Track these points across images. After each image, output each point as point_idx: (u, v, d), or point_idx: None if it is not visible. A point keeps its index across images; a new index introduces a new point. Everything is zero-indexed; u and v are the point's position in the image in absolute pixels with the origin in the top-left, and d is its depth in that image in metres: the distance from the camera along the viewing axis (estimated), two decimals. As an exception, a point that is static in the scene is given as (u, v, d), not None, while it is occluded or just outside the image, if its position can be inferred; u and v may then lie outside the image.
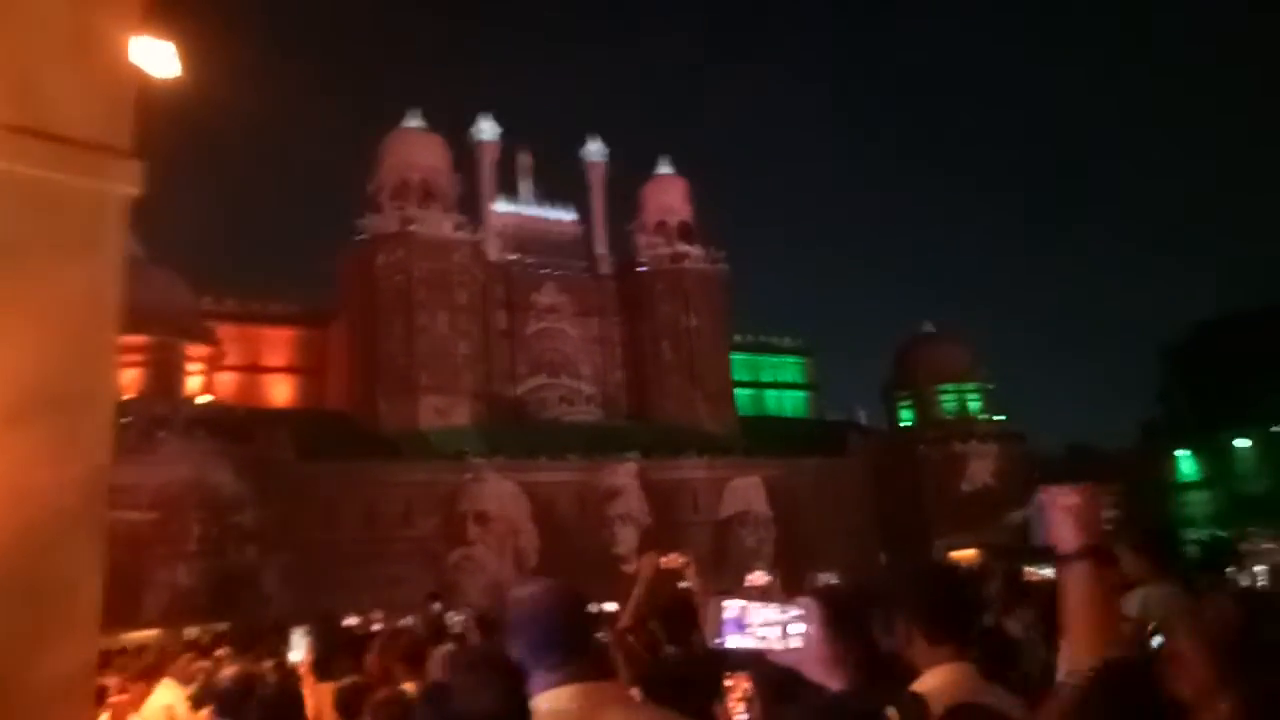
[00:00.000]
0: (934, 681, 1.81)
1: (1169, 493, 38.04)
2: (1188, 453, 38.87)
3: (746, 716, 2.27)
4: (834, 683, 1.90)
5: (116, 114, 3.26)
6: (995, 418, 40.69)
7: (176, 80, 3.80)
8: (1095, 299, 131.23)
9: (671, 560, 4.05)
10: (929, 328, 44.23)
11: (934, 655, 1.87)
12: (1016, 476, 37.23)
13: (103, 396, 3.20)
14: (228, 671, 3.67)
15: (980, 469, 37.22)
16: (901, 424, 42.49)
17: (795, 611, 1.91)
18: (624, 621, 3.36)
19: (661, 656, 3.06)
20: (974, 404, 41.15)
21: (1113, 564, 1.82)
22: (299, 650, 3.97)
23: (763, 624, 1.90)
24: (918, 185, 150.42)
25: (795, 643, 1.87)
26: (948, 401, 41.07)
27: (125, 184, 3.21)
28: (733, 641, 1.93)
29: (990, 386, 42.12)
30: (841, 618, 1.97)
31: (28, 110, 2.98)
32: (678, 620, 3.54)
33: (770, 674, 2.04)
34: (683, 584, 4.13)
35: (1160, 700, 1.48)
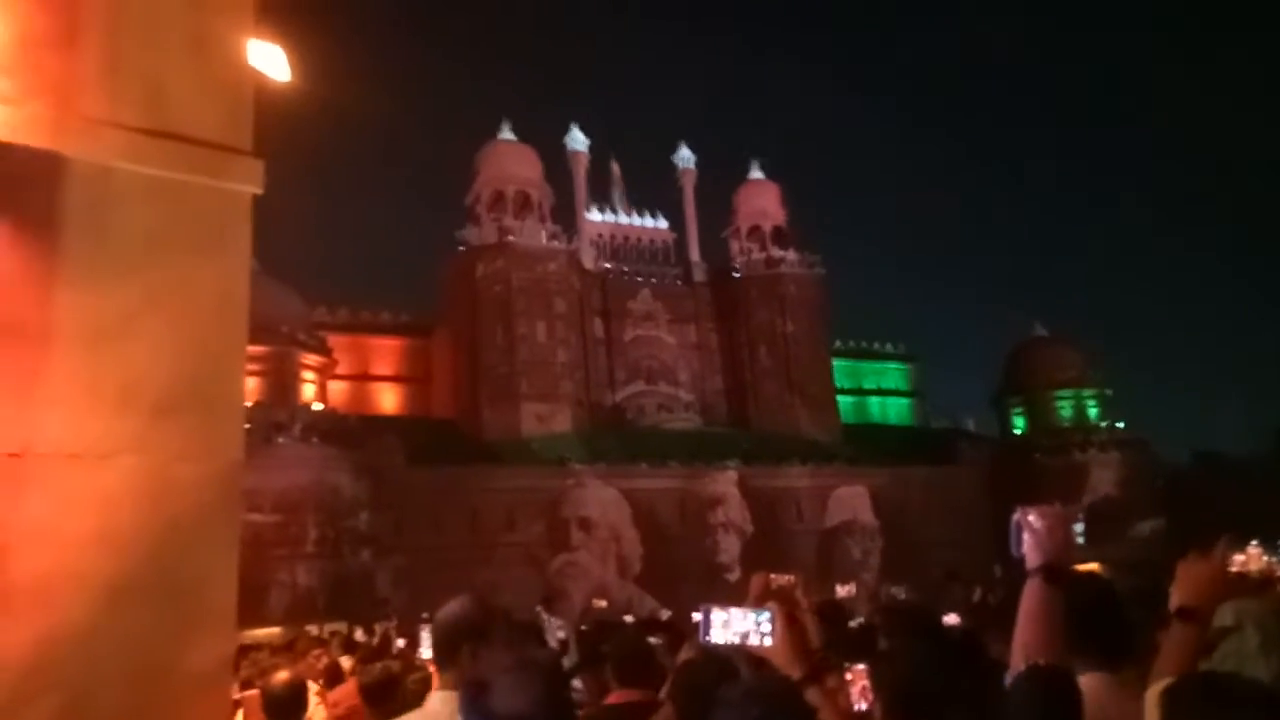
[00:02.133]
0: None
1: (1314, 501, 35.22)
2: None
3: (865, 706, 2.49)
4: (793, 670, 2.13)
5: (237, 115, 3.30)
6: (1116, 424, 38.54)
7: (287, 85, 3.84)
8: (1219, 300, 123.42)
9: (781, 578, 4.15)
10: (1041, 331, 42.32)
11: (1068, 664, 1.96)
12: (1141, 486, 35.21)
13: (234, 394, 3.22)
14: (373, 669, 3.70)
15: (1102, 478, 35.25)
16: (1014, 431, 40.71)
17: (766, 615, 2.23)
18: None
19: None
20: (1092, 410, 39.08)
21: (1063, 582, 1.97)
22: (428, 648, 3.95)
23: (741, 626, 2.24)
24: (1028, 185, 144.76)
25: (767, 641, 2.19)
26: (1064, 408, 39.12)
27: (249, 183, 3.24)
28: (716, 637, 2.25)
29: (1109, 392, 39.95)
30: (796, 622, 2.29)
31: (154, 113, 3.02)
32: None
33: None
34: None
35: (1077, 707, 1.66)
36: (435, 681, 3.74)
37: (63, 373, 2.68)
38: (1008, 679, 1.90)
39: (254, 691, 4.45)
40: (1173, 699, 1.46)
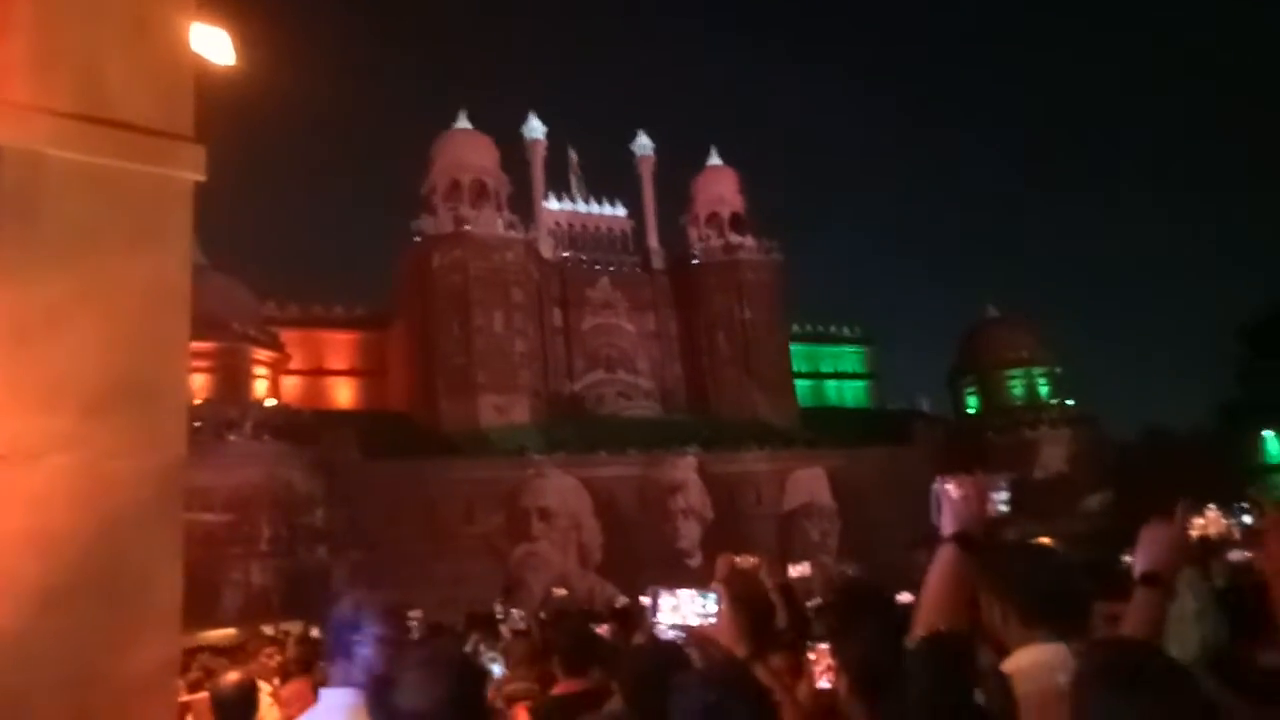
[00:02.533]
0: (1023, 661, 1.91)
1: (1257, 475, 36.46)
2: (1275, 434, 37.23)
3: (829, 684, 2.53)
4: (739, 649, 2.27)
5: (177, 100, 3.19)
6: (1066, 402, 39.43)
7: (232, 70, 3.72)
8: (1166, 277, 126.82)
9: (745, 560, 4.35)
10: (993, 312, 43.08)
11: (1027, 636, 1.96)
12: (1091, 462, 36.10)
13: (176, 387, 3.12)
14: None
15: (1053, 455, 36.09)
16: (968, 411, 41.46)
17: (713, 596, 2.36)
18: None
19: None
20: (1043, 388, 39.94)
21: (975, 549, 1.98)
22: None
23: (689, 608, 2.35)
24: (982, 166, 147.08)
25: (711, 620, 2.33)
26: (1015, 386, 39.92)
27: (189, 170, 3.13)
28: (664, 619, 2.38)
29: (1059, 370, 40.83)
30: (741, 601, 2.41)
31: (90, 98, 2.91)
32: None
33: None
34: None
35: (970, 672, 1.71)
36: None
37: (-12, 370, 2.57)
38: (907, 644, 1.91)
39: (203, 694, 4.35)
40: (1083, 667, 1.45)
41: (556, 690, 3.30)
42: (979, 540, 2.05)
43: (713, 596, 2.39)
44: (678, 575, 31.32)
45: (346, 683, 2.24)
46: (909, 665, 1.82)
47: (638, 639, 3.08)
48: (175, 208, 3.03)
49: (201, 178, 3.08)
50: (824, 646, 2.63)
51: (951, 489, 2.09)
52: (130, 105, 2.94)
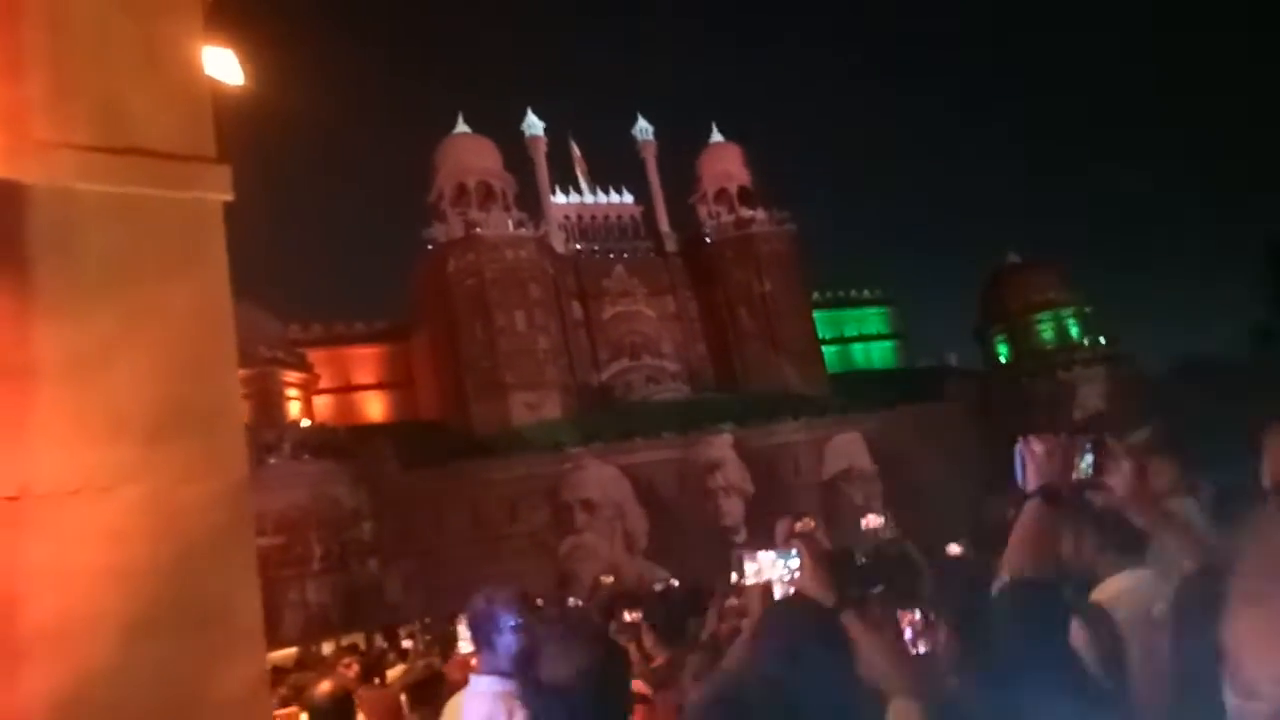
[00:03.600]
0: (1112, 589, 2.11)
1: (1301, 395, 35.76)
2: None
3: (923, 648, 2.71)
4: (827, 600, 2.39)
5: (198, 122, 3.16)
6: (1098, 341, 38.83)
7: (242, 89, 3.69)
8: (1185, 205, 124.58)
9: (805, 525, 4.30)
10: (1014, 257, 42.48)
11: (1119, 564, 2.22)
12: (1129, 398, 35.59)
13: (230, 409, 3.09)
14: (416, 667, 3.64)
15: (1090, 395, 35.59)
16: (999, 360, 40.97)
17: (793, 553, 2.52)
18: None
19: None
20: (1074, 329, 39.36)
21: (1058, 503, 2.08)
22: (467, 641, 3.89)
23: (772, 569, 2.50)
24: (987, 111, 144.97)
25: (792, 575, 2.47)
26: (1045, 330, 39.37)
27: (217, 191, 3.10)
28: (749, 576, 2.57)
29: (1088, 309, 40.22)
30: (821, 556, 2.59)
31: (111, 129, 2.88)
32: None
33: None
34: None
35: (1055, 612, 1.80)
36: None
37: (50, 408, 2.56)
38: (994, 589, 2.00)
39: (292, 709, 4.37)
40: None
41: (655, 663, 3.59)
42: (1063, 494, 2.11)
43: (794, 554, 2.51)
44: (726, 552, 31.28)
45: (492, 670, 2.43)
46: (997, 608, 1.89)
47: (718, 603, 3.25)
48: (208, 229, 3.01)
49: (229, 197, 3.06)
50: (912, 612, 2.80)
51: (1035, 445, 2.13)
52: (152, 132, 2.91)
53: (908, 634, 2.72)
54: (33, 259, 2.65)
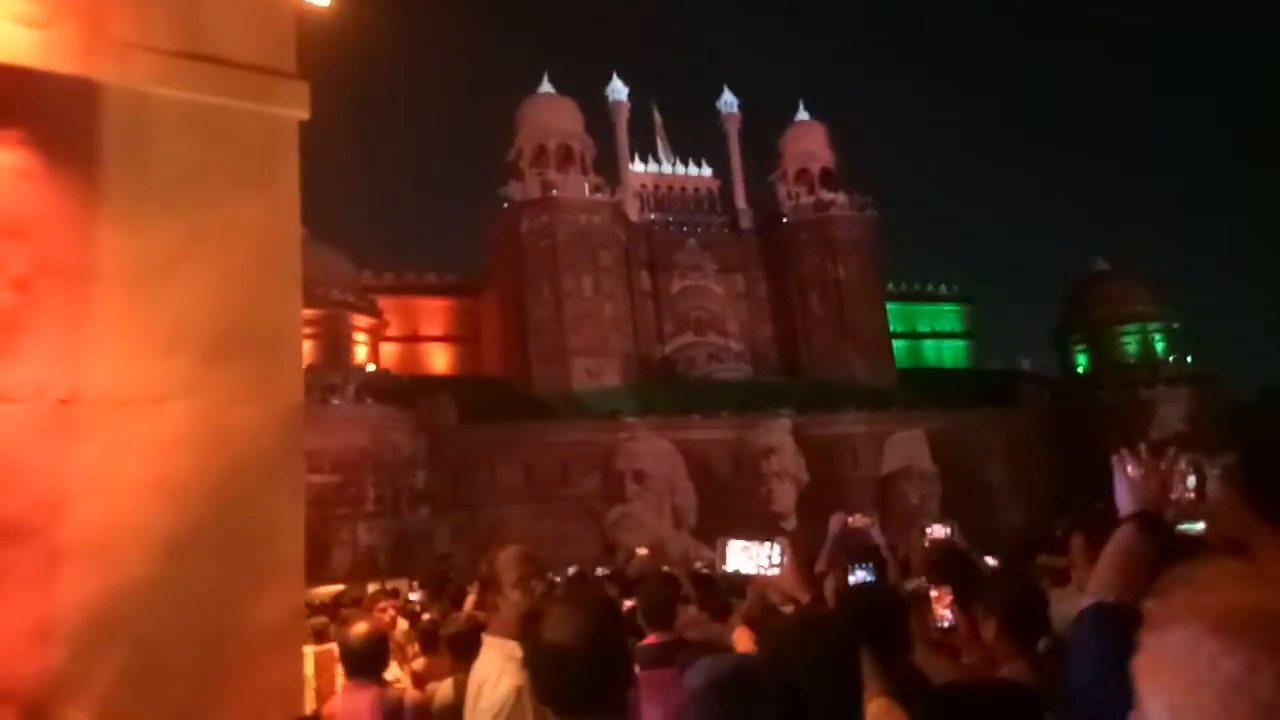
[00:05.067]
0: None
1: (1400, 434, 33.74)
2: None
3: (949, 622, 2.98)
4: (802, 596, 2.54)
5: (278, 35, 3.05)
6: (1184, 359, 37.14)
7: (327, 10, 3.57)
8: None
9: (858, 520, 4.56)
10: (1103, 265, 40.79)
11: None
12: (1212, 421, 34.05)
13: (290, 333, 3.00)
14: (457, 618, 3.61)
15: (1170, 414, 34.04)
16: (1077, 370, 39.49)
17: (777, 548, 2.58)
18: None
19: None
20: (1159, 344, 37.70)
21: (1155, 530, 1.94)
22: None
23: (758, 555, 2.59)
24: (1083, 115, 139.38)
25: (775, 570, 2.57)
26: (1129, 343, 37.74)
27: (294, 107, 2.99)
28: (733, 564, 2.64)
29: (1175, 325, 38.48)
30: (834, 547, 2.88)
31: (189, 35, 2.78)
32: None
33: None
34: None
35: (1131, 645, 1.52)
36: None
37: (108, 315, 2.51)
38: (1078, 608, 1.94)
39: (326, 646, 4.36)
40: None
41: (645, 642, 3.64)
42: (1159, 521, 1.96)
43: (778, 547, 2.60)
44: (773, 537, 30.96)
45: (502, 632, 2.50)
46: (1077, 625, 1.85)
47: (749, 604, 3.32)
48: (282, 146, 2.92)
49: (306, 115, 2.96)
50: (942, 590, 3.07)
51: (1131, 467, 1.99)
52: (231, 41, 2.82)
53: (946, 615, 2.98)
54: (102, 161, 2.57)
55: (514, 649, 2.33)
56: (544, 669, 1.64)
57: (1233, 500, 1.87)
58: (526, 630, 2.04)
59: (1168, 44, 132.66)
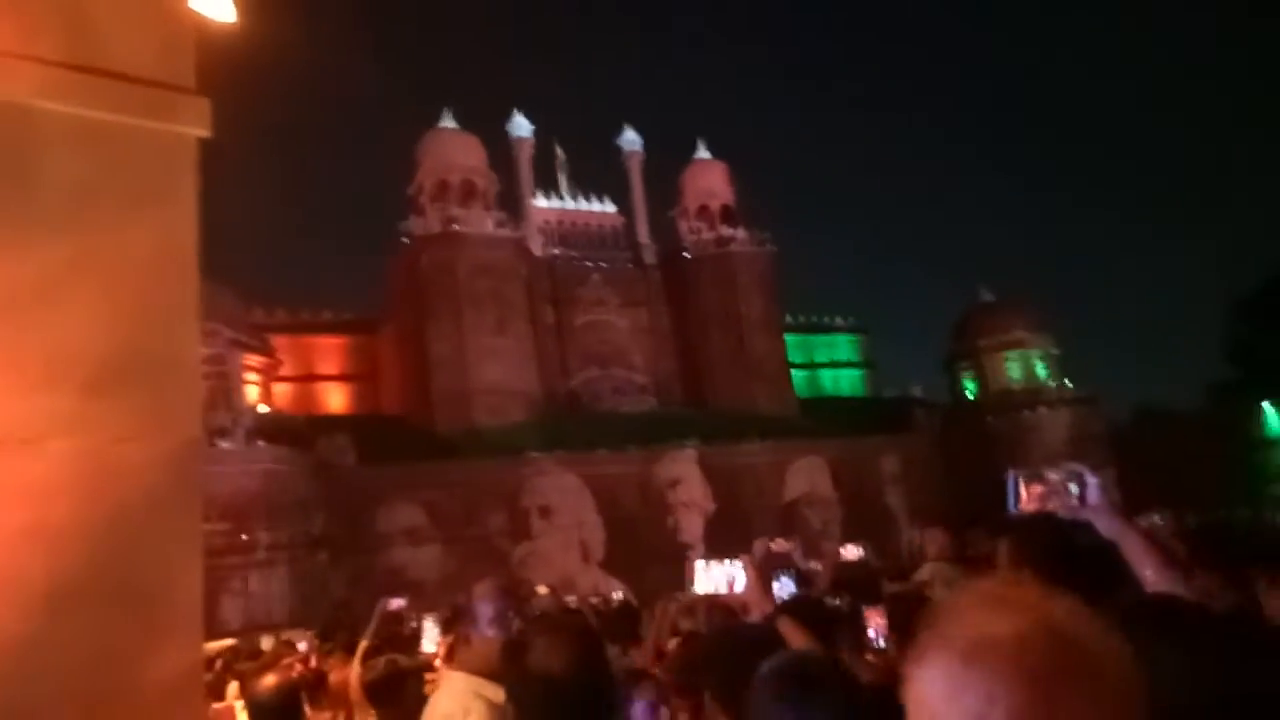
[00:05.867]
0: None
1: (1256, 449, 36.46)
2: (1275, 407, 37.23)
3: (882, 642, 3.13)
4: (765, 607, 2.69)
5: (176, 49, 2.90)
6: (1064, 383, 39.32)
7: (231, 29, 3.42)
8: (1152, 254, 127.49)
9: (780, 545, 4.73)
10: (987, 295, 42.95)
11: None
12: (1091, 442, 36.03)
13: (185, 363, 2.80)
14: (377, 663, 3.37)
15: (1053, 437, 35.98)
16: (966, 395, 41.31)
17: (739, 565, 2.80)
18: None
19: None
20: (1041, 370, 39.84)
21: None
22: (431, 641, 3.61)
23: (720, 574, 2.80)
24: (960, 155, 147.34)
25: (739, 588, 2.76)
26: (1013, 369, 39.78)
27: (193, 124, 2.84)
28: (699, 586, 2.84)
29: (1056, 351, 40.74)
30: (762, 571, 2.91)
31: (81, 46, 2.62)
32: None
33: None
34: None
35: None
36: (444, 672, 3.45)
37: (-22, 346, 2.29)
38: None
39: (226, 704, 4.05)
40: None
41: None
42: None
43: (740, 565, 2.84)
44: (681, 568, 31.05)
45: (470, 667, 2.48)
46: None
47: (669, 604, 3.45)
48: (179, 165, 2.75)
49: (206, 133, 2.80)
50: (875, 609, 3.19)
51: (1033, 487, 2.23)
52: (125, 54, 2.65)
53: (871, 633, 3.10)
54: (-23, 178, 2.38)
55: (483, 686, 2.29)
56: (533, 699, 1.63)
57: (1007, 554, 2.37)
58: (510, 662, 2.00)
59: (1055, 71, 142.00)
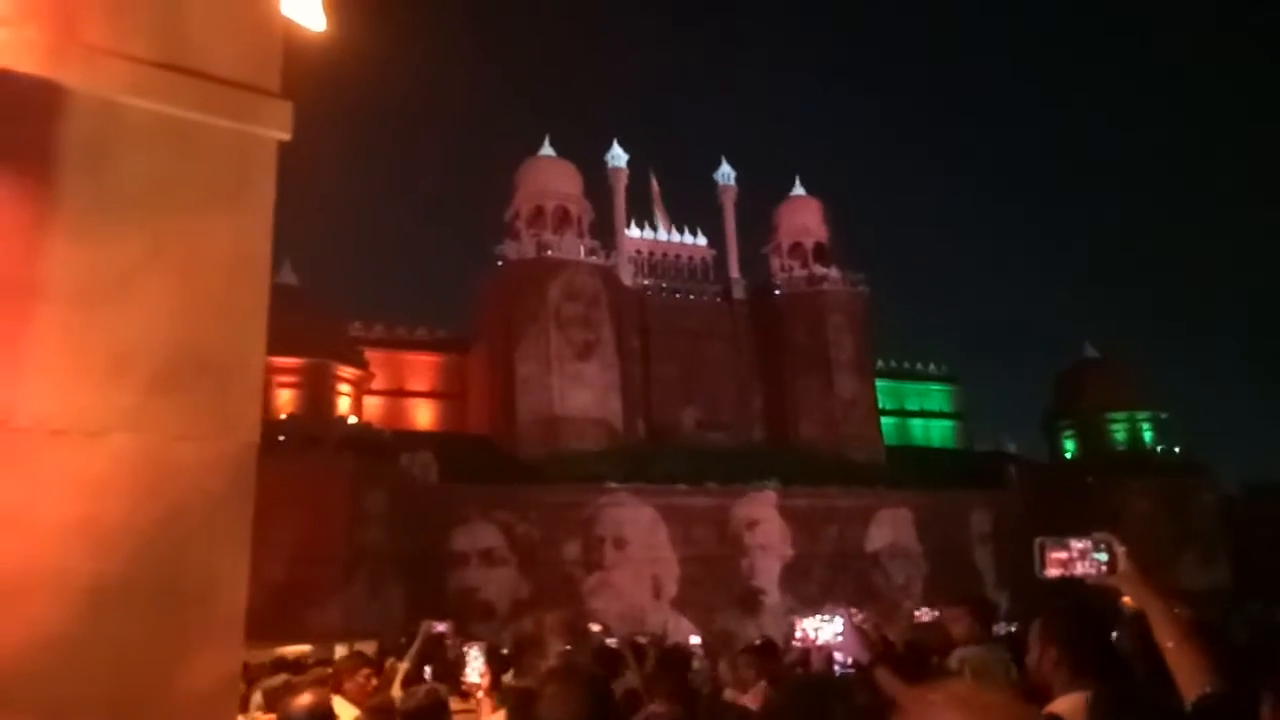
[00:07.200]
0: (1066, 705, 2.24)
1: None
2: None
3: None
4: (863, 657, 2.97)
5: (264, 51, 2.90)
6: (1172, 449, 37.13)
7: (322, 37, 3.44)
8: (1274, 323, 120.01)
9: (856, 617, 4.69)
10: (1092, 352, 41.07)
11: (1073, 684, 2.35)
12: (1194, 513, 33.88)
13: (252, 365, 2.75)
14: (417, 690, 3.28)
15: (1156, 504, 33.89)
16: (1065, 455, 39.41)
17: (839, 619, 3.20)
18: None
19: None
20: (1147, 434, 37.74)
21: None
22: (475, 671, 3.48)
23: (827, 630, 3.18)
24: (1072, 209, 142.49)
25: (839, 638, 3.03)
26: (1118, 431, 37.81)
27: (274, 127, 2.82)
28: (818, 635, 3.22)
29: (1164, 415, 38.56)
30: (858, 626, 3.17)
31: (168, 45, 2.63)
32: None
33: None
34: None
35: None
36: (487, 705, 3.32)
37: (49, 335, 2.28)
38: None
39: (269, 715, 3.99)
40: None
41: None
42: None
43: (840, 621, 3.18)
44: (753, 612, 30.41)
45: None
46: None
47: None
48: (258, 167, 2.74)
49: (287, 136, 2.80)
50: None
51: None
52: (213, 55, 2.67)
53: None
54: (62, 169, 2.39)
55: None
56: None
57: (1037, 633, 2.50)
58: (519, 708, 1.93)
59: (1191, 139, 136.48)
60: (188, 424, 2.36)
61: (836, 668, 3.12)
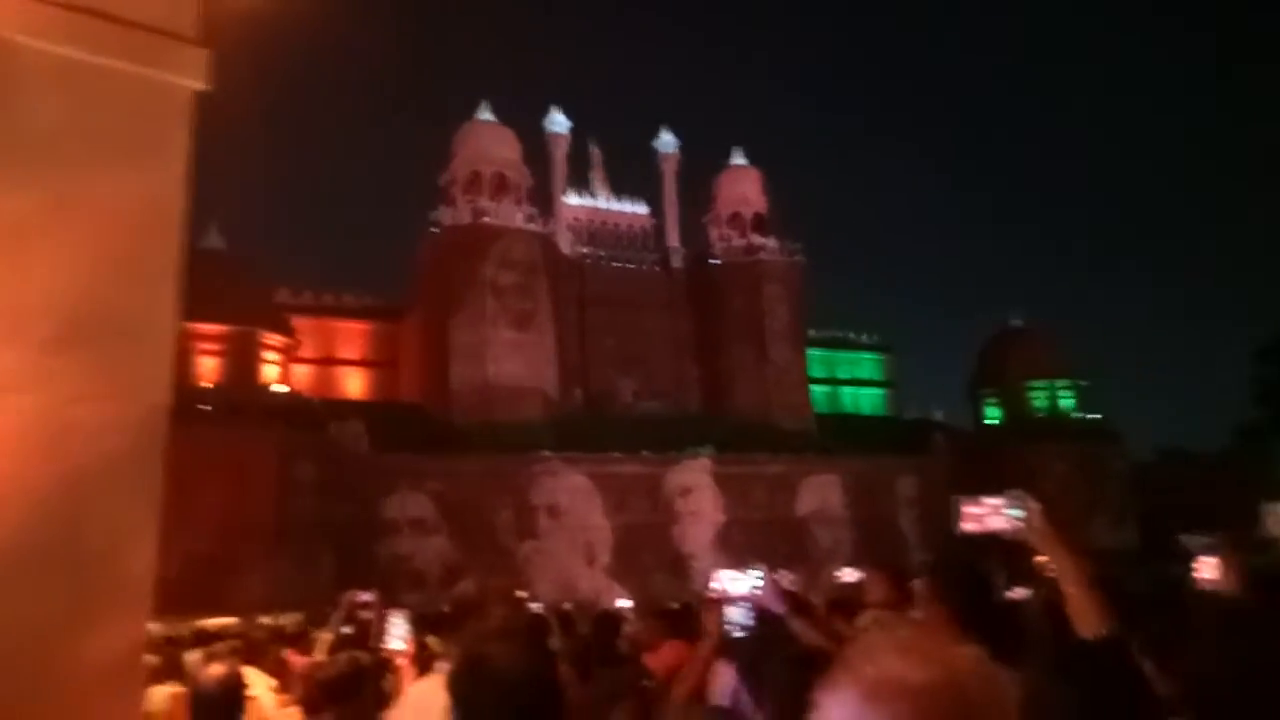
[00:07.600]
0: None
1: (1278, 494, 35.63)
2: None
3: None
4: (779, 608, 3.21)
5: (178, -3, 2.78)
6: (1089, 416, 38.66)
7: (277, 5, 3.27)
8: (1190, 296, 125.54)
9: (784, 578, 5.30)
10: (1016, 322, 42.36)
11: (963, 641, 2.18)
12: (1113, 479, 35.42)
13: (161, 324, 2.64)
14: (338, 658, 3.23)
15: (1073, 470, 35.35)
16: (987, 422, 40.72)
17: (757, 573, 3.29)
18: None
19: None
20: (1066, 402, 39.19)
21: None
22: (399, 639, 3.44)
23: (745, 581, 3.26)
24: (1000, 180, 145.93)
25: (757, 589, 3.23)
26: (1038, 399, 39.19)
27: (190, 76, 2.68)
28: (730, 589, 3.27)
29: (1084, 383, 40.07)
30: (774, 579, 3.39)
31: (74, -16, 2.51)
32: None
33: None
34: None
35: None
36: (409, 672, 3.29)
37: (-62, 291, 2.16)
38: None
39: (175, 687, 3.91)
40: None
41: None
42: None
43: (759, 573, 3.33)
44: (685, 578, 30.87)
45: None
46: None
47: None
48: (172, 118, 2.60)
49: (205, 86, 2.65)
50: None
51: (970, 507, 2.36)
52: (125, -1, 2.53)
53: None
54: (-51, 113, 2.25)
55: None
56: (483, 701, 1.66)
57: (925, 592, 2.59)
58: (463, 665, 1.96)
59: (1120, 105, 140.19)
60: (89, 384, 2.25)
61: (749, 619, 3.23)
